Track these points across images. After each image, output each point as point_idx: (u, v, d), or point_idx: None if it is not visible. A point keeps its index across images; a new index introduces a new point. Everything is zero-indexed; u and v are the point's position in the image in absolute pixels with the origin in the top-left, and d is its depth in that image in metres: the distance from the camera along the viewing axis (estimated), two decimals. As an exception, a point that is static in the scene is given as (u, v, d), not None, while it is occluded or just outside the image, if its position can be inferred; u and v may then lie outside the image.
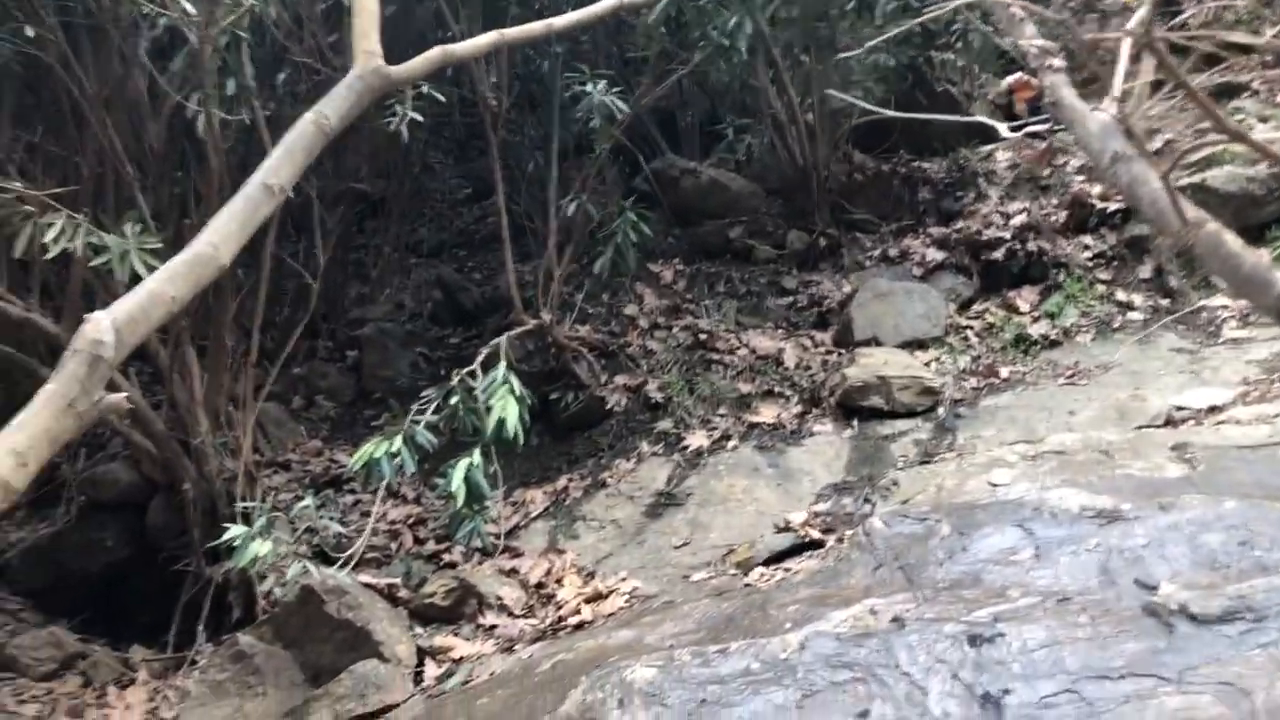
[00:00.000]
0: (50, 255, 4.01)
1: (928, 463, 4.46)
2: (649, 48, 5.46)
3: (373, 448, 4.18)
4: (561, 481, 5.06)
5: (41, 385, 4.21)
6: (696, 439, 4.98)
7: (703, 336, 5.65)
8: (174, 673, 4.65)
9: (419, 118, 4.34)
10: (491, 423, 4.20)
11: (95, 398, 2.37)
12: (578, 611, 3.98)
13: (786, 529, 4.11)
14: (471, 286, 7.01)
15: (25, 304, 4.61)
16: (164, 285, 2.66)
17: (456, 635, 4.11)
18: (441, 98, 4.41)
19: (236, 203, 2.86)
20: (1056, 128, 2.91)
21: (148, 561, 5.12)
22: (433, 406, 4.34)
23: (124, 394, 2.55)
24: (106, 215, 4.40)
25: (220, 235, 2.76)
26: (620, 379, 5.47)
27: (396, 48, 3.67)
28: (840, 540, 3.86)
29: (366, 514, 4.65)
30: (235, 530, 3.97)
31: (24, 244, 4.00)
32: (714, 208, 6.61)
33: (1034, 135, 4.86)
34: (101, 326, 2.44)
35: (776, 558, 3.93)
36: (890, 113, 4.20)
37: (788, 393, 5.25)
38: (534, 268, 5.74)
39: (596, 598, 4.03)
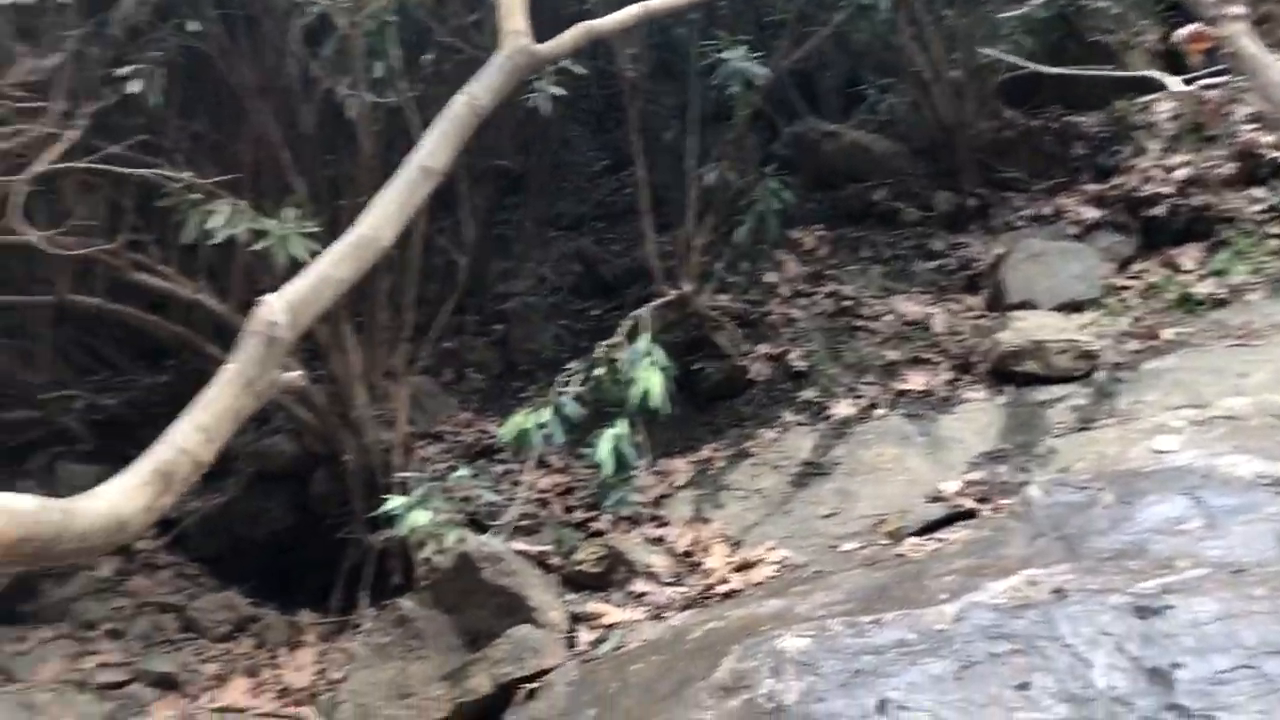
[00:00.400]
0: (216, 240, 4.23)
1: (1087, 429, 4.29)
2: (787, 10, 5.37)
3: (522, 419, 4.29)
4: (705, 451, 5.07)
5: (210, 362, 4.45)
6: (842, 407, 4.91)
7: (847, 303, 5.56)
8: (339, 636, 4.87)
9: (561, 92, 4.38)
10: (635, 393, 4.25)
11: (272, 376, 2.49)
12: (726, 580, 3.99)
13: (939, 498, 4.03)
14: (611, 258, 7.06)
15: (194, 286, 4.87)
16: (331, 268, 2.77)
17: (607, 602, 4.17)
18: (583, 71, 4.45)
19: (396, 185, 2.95)
20: (1233, 79, 2.75)
21: (312, 530, 5.37)
22: (577, 378, 4.41)
23: (298, 372, 2.67)
24: (265, 200, 4.59)
25: (381, 218, 2.85)
26: (762, 348, 5.43)
27: (533, 23, 3.71)
28: (996, 510, 3.77)
29: (516, 483, 4.75)
30: (395, 500, 4.12)
31: (193, 230, 4.23)
32: (856, 171, 6.48)
33: (1208, 87, 4.60)
34: (275, 308, 2.55)
35: (929, 528, 3.85)
36: (1042, 67, 4.02)
37: (937, 359, 5.12)
38: (673, 238, 5.74)
39: (745, 567, 4.03)
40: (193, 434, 2.38)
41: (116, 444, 5.27)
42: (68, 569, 4.99)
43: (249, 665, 4.76)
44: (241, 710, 4.39)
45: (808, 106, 6.94)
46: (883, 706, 2.66)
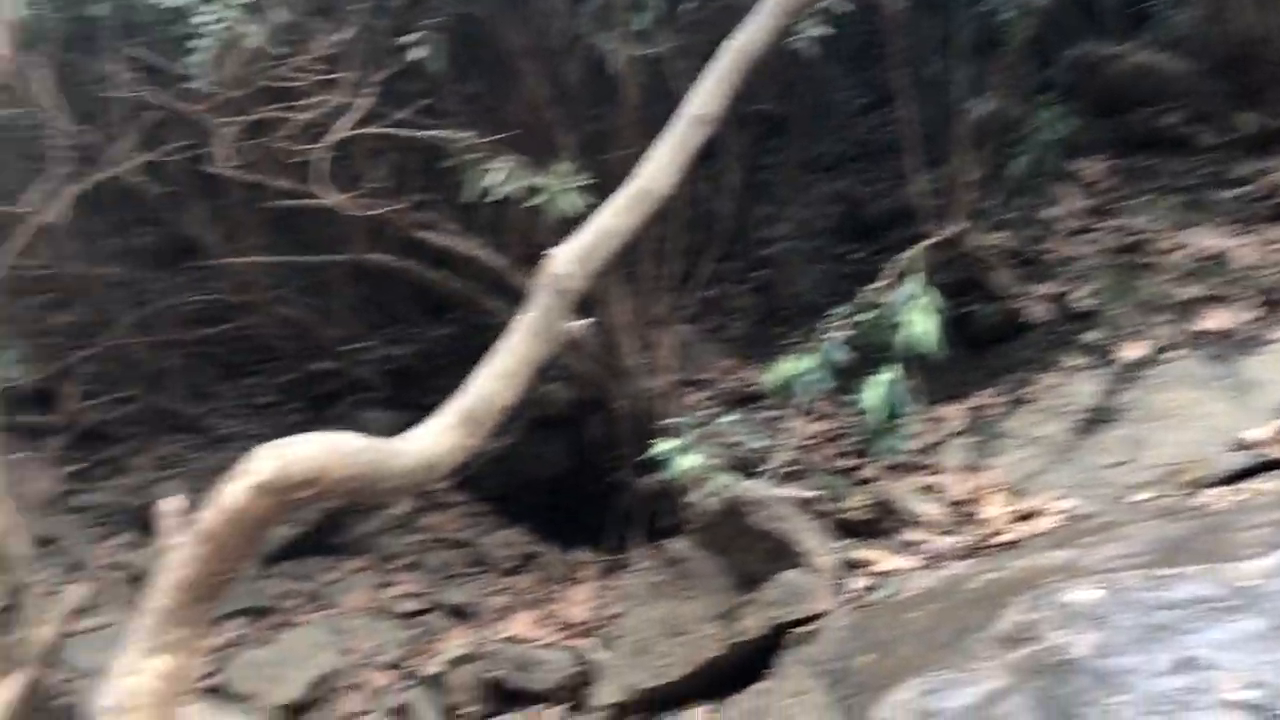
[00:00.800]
0: (494, 198, 4.44)
1: None
2: (1065, -74, 5.02)
3: (789, 365, 4.28)
4: (978, 397, 4.89)
5: (489, 315, 4.67)
6: (1130, 350, 4.59)
7: (1135, 237, 5.16)
8: (612, 574, 5.07)
9: (828, 30, 4.28)
10: (905, 338, 4.15)
11: (561, 325, 2.60)
12: (1004, 530, 3.86)
13: (1243, 446, 3.73)
14: (872, 199, 6.88)
15: (474, 243, 5.14)
16: (612, 220, 2.85)
17: (876, 549, 4.12)
18: (848, 7, 4.32)
19: (670, 136, 2.98)
20: None
21: (586, 472, 5.60)
22: (843, 323, 4.35)
23: (587, 320, 2.77)
24: (534, 157, 4.76)
25: (658, 169, 2.91)
26: (1040, 288, 5.16)
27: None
28: (1313, 459, 3.45)
29: (781, 429, 4.76)
30: (663, 445, 4.22)
31: (472, 189, 4.46)
32: (1143, 94, 5.99)
33: None
34: (563, 261, 2.66)
35: (1232, 478, 3.57)
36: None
37: (1239, 295, 4.68)
38: (940, 175, 5.53)
39: (1025, 516, 3.88)
40: (494, 381, 2.53)
41: (408, 392, 5.68)
42: (370, 506, 5.45)
43: (532, 599, 5.04)
44: (527, 640, 4.66)
45: (1086, 28, 6.47)
46: (1185, 664, 2.51)
